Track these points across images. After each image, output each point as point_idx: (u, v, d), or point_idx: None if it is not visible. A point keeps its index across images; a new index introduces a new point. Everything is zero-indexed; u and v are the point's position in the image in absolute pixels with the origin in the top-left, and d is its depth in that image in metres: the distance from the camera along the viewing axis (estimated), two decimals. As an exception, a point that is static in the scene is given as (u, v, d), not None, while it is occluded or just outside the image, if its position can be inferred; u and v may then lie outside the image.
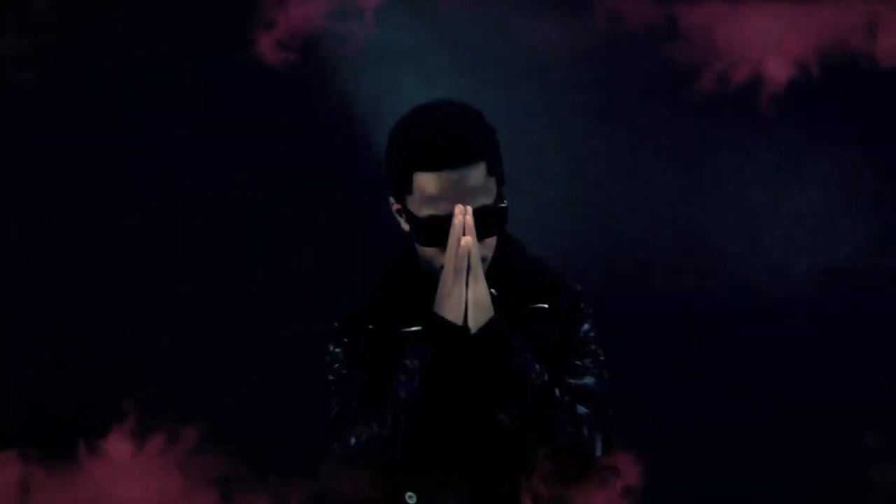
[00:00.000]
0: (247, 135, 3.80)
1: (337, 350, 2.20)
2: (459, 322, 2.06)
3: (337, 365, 2.19)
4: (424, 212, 2.10)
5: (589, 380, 2.15)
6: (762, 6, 2.81)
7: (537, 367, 2.09)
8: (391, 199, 2.22)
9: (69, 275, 3.80)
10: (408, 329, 2.14)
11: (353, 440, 2.07)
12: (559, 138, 3.80)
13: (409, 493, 2.11)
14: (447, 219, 2.06)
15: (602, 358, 2.20)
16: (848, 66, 2.81)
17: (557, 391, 2.10)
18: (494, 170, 2.14)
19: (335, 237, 3.81)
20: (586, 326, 2.21)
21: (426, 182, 2.08)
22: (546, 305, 2.17)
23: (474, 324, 2.06)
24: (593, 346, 2.20)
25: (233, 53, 3.73)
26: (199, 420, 2.27)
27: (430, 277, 2.15)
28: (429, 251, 2.14)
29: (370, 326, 2.19)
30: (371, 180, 3.86)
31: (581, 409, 2.10)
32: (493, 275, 2.15)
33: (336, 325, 2.23)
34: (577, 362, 2.17)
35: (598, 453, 2.10)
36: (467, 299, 2.06)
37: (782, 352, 3.75)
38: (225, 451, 2.25)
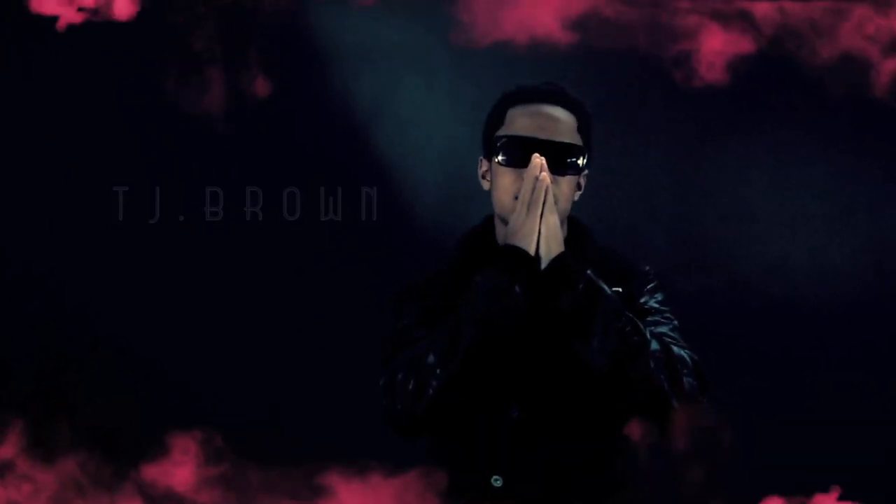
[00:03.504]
0: (247, 135, 3.80)
1: (403, 322, 2.20)
2: (532, 252, 2.11)
3: (401, 333, 2.19)
4: (511, 133, 2.18)
5: (663, 328, 2.21)
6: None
7: (617, 299, 2.14)
8: (480, 160, 2.28)
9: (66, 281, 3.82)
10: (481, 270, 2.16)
11: (430, 391, 2.08)
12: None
13: (496, 476, 2.14)
14: (530, 140, 2.15)
15: (675, 322, 2.25)
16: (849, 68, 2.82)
17: (644, 327, 2.14)
18: (583, 134, 2.21)
19: (335, 236, 3.82)
20: (659, 296, 2.28)
21: (517, 115, 2.20)
22: (620, 289, 2.21)
23: (545, 254, 2.12)
24: (665, 311, 2.27)
25: (233, 55, 3.74)
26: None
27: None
28: (505, 180, 2.18)
29: (445, 286, 2.22)
30: (371, 179, 3.89)
31: (678, 351, 2.15)
32: None
33: (395, 300, 2.25)
34: (651, 324, 2.21)
35: (696, 392, 2.14)
36: (540, 231, 2.12)
37: (781, 352, 3.75)
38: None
